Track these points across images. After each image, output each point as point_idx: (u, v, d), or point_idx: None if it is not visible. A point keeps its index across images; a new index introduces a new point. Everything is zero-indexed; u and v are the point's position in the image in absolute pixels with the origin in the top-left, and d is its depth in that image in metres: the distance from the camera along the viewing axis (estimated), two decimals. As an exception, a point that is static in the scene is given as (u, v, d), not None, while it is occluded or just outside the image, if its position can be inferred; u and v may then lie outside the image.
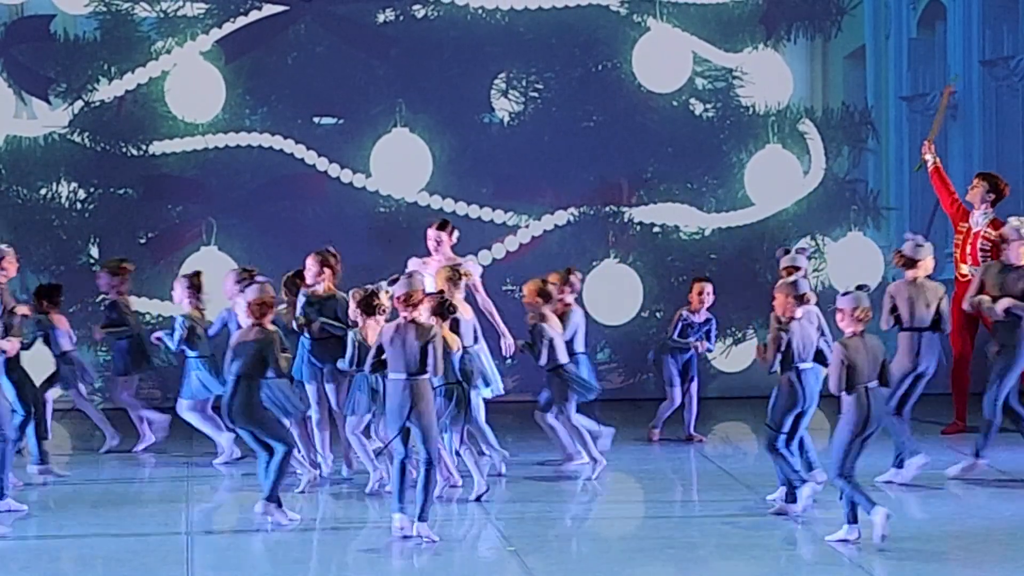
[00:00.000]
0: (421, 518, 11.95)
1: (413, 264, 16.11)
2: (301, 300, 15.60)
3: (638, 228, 19.06)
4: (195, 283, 15.99)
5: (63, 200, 18.97)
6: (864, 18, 20.04)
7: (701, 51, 19.17)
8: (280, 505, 12.82)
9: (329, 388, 15.75)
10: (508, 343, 16.44)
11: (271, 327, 13.71)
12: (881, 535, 11.82)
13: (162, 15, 18.87)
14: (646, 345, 18.81)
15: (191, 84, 18.50)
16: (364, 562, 13.31)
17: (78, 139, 18.86)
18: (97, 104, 18.74)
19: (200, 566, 12.29)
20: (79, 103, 18.72)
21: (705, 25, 19.24)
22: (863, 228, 19.26)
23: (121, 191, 18.99)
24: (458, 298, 15.11)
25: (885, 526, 11.83)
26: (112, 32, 18.91)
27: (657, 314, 19.14)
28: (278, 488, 12.73)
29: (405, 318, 11.98)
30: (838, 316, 12.00)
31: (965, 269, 17.26)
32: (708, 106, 19.49)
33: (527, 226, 18.92)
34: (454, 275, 15.13)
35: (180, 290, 16.04)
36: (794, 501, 13.02)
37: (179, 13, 18.86)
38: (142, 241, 18.85)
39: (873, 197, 19.58)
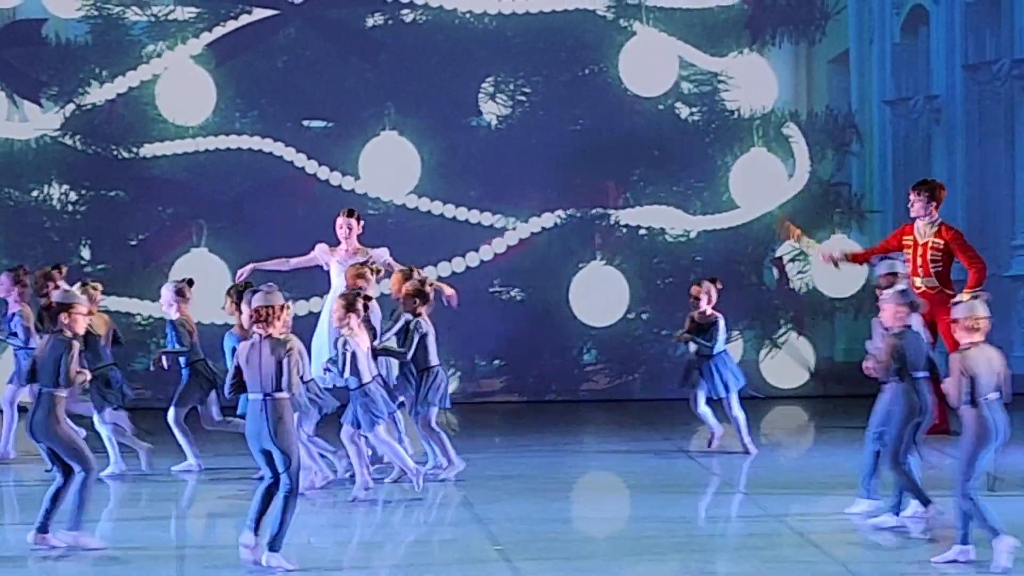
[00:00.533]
0: (272, 548, 11.24)
1: (320, 249, 16.53)
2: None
3: (624, 230, 19.09)
4: (182, 290, 15.88)
5: (55, 202, 19.02)
6: (848, 23, 20.06)
7: (687, 55, 19.29)
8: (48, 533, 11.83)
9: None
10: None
11: (68, 335, 12.63)
12: (1004, 567, 11.18)
13: (153, 19, 18.94)
14: (632, 347, 19.36)
15: (182, 88, 18.66)
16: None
17: (69, 142, 18.90)
18: (88, 107, 18.81)
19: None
20: (71, 106, 18.77)
21: (691, 30, 19.31)
22: (847, 231, 19.38)
23: (112, 193, 19.04)
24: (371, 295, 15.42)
25: (1010, 555, 11.20)
26: (103, 36, 18.98)
27: (643, 316, 19.30)
28: (81, 515, 11.83)
29: (260, 335, 11.39)
30: (956, 327, 11.48)
31: (919, 282, 16.97)
32: (694, 110, 19.51)
33: (514, 228, 18.96)
34: (364, 272, 15.34)
35: (168, 295, 15.91)
36: (897, 512, 12.57)
37: (170, 17, 18.92)
38: (133, 243, 18.94)
39: (857, 200, 19.65)
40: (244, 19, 18.90)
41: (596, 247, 19.05)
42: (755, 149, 19.24)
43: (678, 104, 19.43)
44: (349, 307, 14.34)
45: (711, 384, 16.11)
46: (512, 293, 19.40)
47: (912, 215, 17.24)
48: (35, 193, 18.97)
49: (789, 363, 20.10)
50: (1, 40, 19.01)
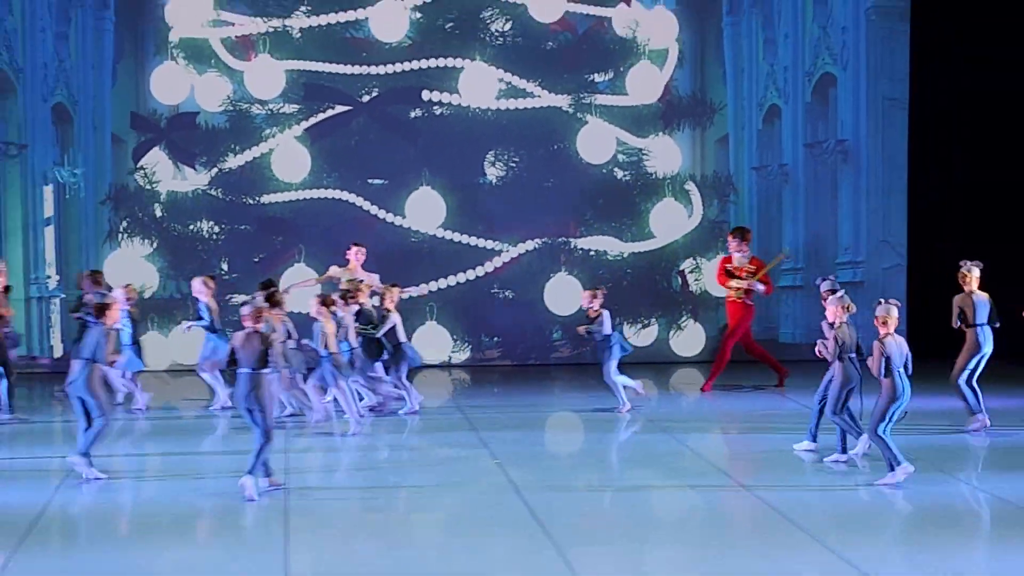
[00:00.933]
0: (250, 472, 11.54)
1: (334, 271, 17.20)
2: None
3: (579, 252, 19.68)
4: (206, 282, 16.06)
5: (204, 233, 19.46)
6: (728, 116, 20.31)
7: (621, 137, 19.76)
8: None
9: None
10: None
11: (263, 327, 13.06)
12: (897, 481, 11.89)
13: (269, 112, 19.39)
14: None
15: (288, 157, 19.19)
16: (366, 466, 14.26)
17: (214, 193, 19.43)
18: (227, 170, 19.33)
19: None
20: (215, 169, 19.34)
21: (624, 120, 19.77)
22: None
23: (242, 227, 19.54)
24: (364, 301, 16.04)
25: (905, 476, 11.91)
26: (236, 123, 19.45)
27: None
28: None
29: (252, 329, 11.74)
30: (876, 322, 11.97)
31: (745, 287, 17.50)
32: (625, 173, 20.00)
33: (507, 251, 19.54)
34: (352, 286, 15.95)
35: (198, 285, 16.11)
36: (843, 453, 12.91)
37: (280, 111, 19.39)
38: (255, 260, 19.36)
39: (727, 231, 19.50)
40: (329, 112, 19.27)
41: (561, 263, 19.43)
42: (667, 199, 19.79)
43: (615, 169, 19.85)
44: (323, 303, 15.21)
45: (601, 355, 16.17)
46: (506, 293, 19.85)
47: (730, 251, 17.76)
48: (191, 227, 19.36)
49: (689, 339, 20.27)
50: (170, 125, 19.33)
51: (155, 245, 19.33)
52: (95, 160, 19.35)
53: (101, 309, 12.05)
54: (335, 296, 15.61)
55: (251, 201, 19.40)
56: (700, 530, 11.49)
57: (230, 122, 19.41)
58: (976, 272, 14.87)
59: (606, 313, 16.12)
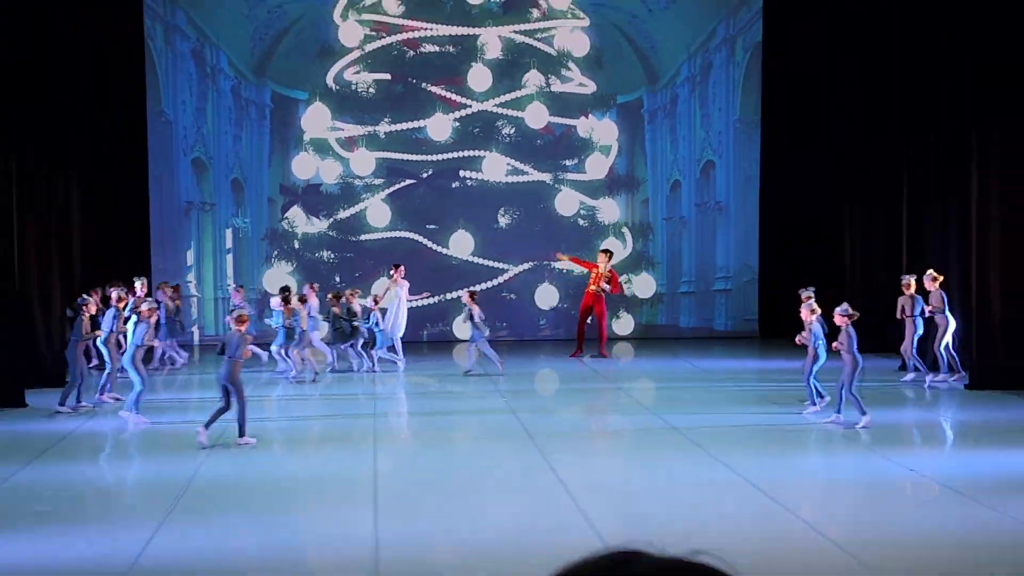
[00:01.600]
0: (241, 433, 10.53)
1: (379, 284, 17.24)
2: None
3: (556, 271, 19.23)
4: (287, 298, 15.10)
5: (324, 259, 19.18)
6: (648, 186, 19.82)
7: (582, 199, 19.48)
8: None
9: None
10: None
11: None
12: (862, 427, 11.16)
13: (364, 183, 19.10)
14: (563, 318, 19.30)
15: (376, 213, 19.11)
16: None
17: (331, 233, 19.19)
18: (339, 219, 19.12)
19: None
20: (331, 219, 19.12)
21: (584, 189, 19.48)
22: (649, 270, 19.71)
23: (348, 255, 19.29)
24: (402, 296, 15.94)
25: (867, 424, 11.19)
26: (344, 190, 19.14)
27: (564, 305, 19.32)
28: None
29: (237, 330, 10.73)
30: (837, 318, 11.28)
31: (595, 288, 16.98)
32: (584, 221, 19.66)
33: (511, 269, 19.37)
34: (396, 278, 16.00)
35: (275, 301, 15.34)
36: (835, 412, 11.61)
37: (371, 183, 19.10)
38: (356, 275, 18.95)
39: (648, 257, 19.81)
40: (401, 184, 19.23)
41: (545, 278, 19.39)
42: (610, 237, 19.48)
43: (578, 219, 19.59)
44: (300, 300, 14.94)
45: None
46: (511, 295, 19.49)
47: (599, 263, 17.14)
48: (316, 255, 19.17)
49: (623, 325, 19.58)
50: (304, 192, 19.12)
51: (294, 266, 19.21)
52: (257, 213, 19.30)
53: (239, 319, 10.99)
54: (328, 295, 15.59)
55: (353, 239, 19.29)
56: (632, 442, 11.69)
57: (340, 189, 19.26)
58: (911, 280, 14.03)
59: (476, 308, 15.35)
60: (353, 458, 10.41)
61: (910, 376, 14.44)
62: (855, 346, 11.31)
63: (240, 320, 10.88)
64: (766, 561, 6.95)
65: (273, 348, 15.26)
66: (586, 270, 17.61)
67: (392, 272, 16.68)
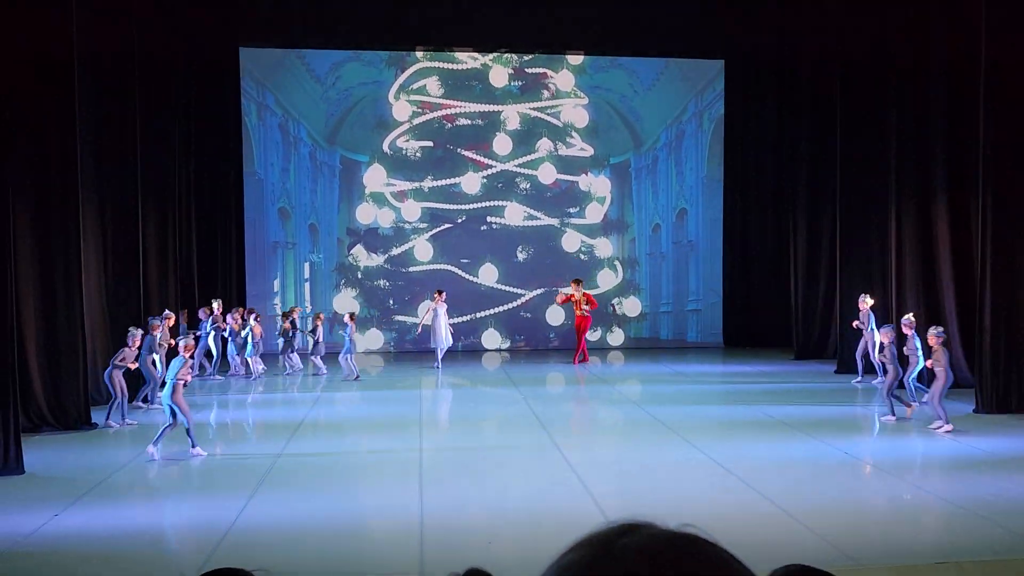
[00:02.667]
0: (192, 444, 9.26)
1: (424, 304, 17.20)
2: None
3: (559, 293, 17.94)
4: (353, 317, 14.85)
5: (381, 286, 18.84)
6: (635, 229, 19.53)
7: (583, 239, 19.25)
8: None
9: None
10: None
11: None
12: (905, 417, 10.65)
13: (412, 227, 18.77)
14: (566, 332, 18.65)
15: (422, 249, 18.82)
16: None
17: (387, 266, 18.87)
18: (392, 255, 18.82)
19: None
20: (386, 255, 18.76)
21: (584, 231, 19.24)
22: (636, 294, 19.44)
23: (400, 283, 18.88)
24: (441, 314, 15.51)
25: (909, 415, 10.63)
26: (397, 232, 18.87)
27: (569, 322, 18.61)
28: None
29: (185, 357, 9.31)
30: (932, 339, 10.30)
31: (581, 311, 16.67)
32: (584, 256, 19.36)
33: (527, 294, 19.12)
34: (437, 300, 15.69)
35: (348, 320, 14.87)
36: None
37: (418, 227, 18.80)
38: (406, 298, 18.78)
39: (635, 284, 19.52)
40: (441, 227, 18.90)
41: (554, 301, 18.69)
42: (605, 269, 19.38)
43: (580, 254, 19.34)
44: (350, 317, 14.56)
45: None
46: (527, 315, 19.16)
47: (573, 292, 16.84)
48: (375, 283, 18.81)
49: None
50: (365, 234, 18.68)
51: (357, 292, 18.91)
52: (328, 250, 18.82)
53: (185, 347, 9.53)
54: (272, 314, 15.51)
55: (404, 270, 19.02)
56: (623, 429, 11.49)
57: (394, 232, 18.98)
58: (868, 299, 13.51)
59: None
60: (403, 441, 10.27)
61: (858, 380, 14.11)
62: (947, 362, 10.42)
63: (185, 348, 9.44)
64: (728, 524, 6.77)
65: (340, 357, 15.10)
66: (569, 301, 17.15)
67: (435, 296, 16.44)
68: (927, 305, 13.34)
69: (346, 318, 14.71)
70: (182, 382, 9.21)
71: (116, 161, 12.76)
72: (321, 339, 15.38)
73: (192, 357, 9.26)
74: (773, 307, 18.99)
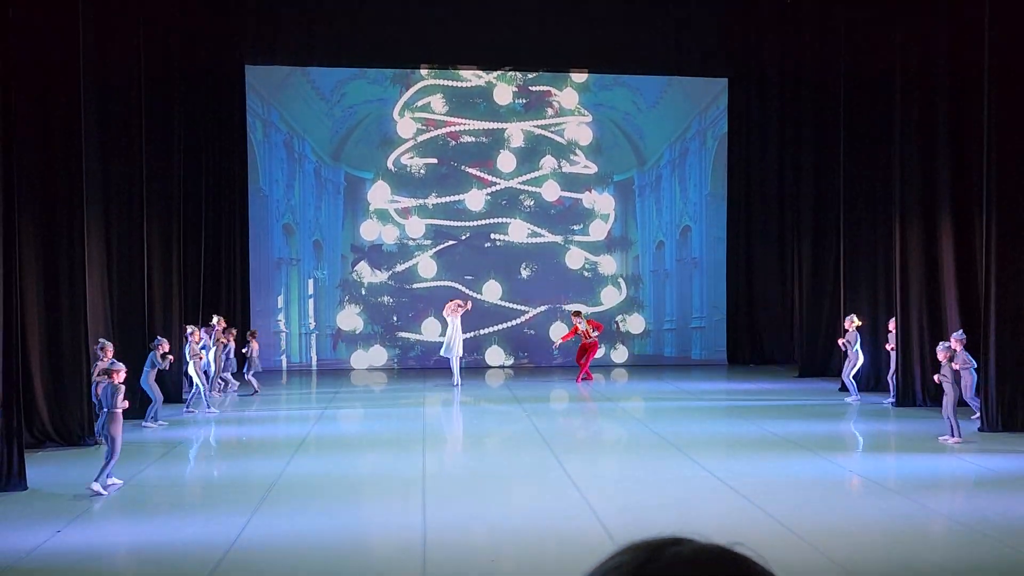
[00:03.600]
0: (96, 478, 8.36)
1: (428, 323, 17.61)
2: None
3: (566, 312, 18.33)
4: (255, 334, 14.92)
5: (384, 302, 18.71)
6: (638, 246, 19.47)
7: (587, 256, 19.18)
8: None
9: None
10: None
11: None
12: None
13: (416, 244, 18.78)
14: (570, 349, 18.23)
15: (426, 265, 18.78)
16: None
17: (390, 282, 18.79)
18: (396, 272, 18.82)
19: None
20: (390, 271, 18.76)
21: (588, 248, 19.27)
22: (639, 311, 19.32)
23: (404, 300, 18.78)
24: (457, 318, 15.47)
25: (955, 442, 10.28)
26: (401, 249, 18.79)
27: (571, 340, 18.32)
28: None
29: (108, 381, 8.56)
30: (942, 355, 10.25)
31: (590, 338, 16.63)
32: (588, 273, 19.35)
33: (531, 311, 19.06)
34: (459, 308, 15.72)
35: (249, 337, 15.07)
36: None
37: (422, 243, 18.80)
38: (410, 315, 18.74)
39: (639, 302, 19.48)
40: (445, 244, 18.86)
41: (558, 318, 18.98)
42: (609, 286, 19.37)
43: (584, 271, 19.28)
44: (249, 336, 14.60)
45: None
46: (531, 331, 19.13)
47: (576, 323, 16.78)
48: (379, 299, 18.74)
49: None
50: (369, 250, 18.73)
51: (361, 308, 18.85)
52: (332, 266, 18.75)
53: (115, 372, 8.69)
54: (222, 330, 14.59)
55: (407, 287, 18.95)
56: (626, 447, 11.44)
57: (398, 248, 18.96)
58: (853, 323, 13.58)
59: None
60: (406, 459, 10.22)
61: (851, 398, 14.15)
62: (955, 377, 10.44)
63: (116, 373, 8.61)
64: (730, 538, 6.85)
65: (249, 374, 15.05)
66: (575, 335, 17.05)
67: (456, 305, 16.48)
68: (931, 322, 13.32)
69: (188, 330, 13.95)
70: (119, 411, 8.44)
71: (121, 177, 12.82)
72: (254, 356, 15.34)
73: (125, 383, 8.59)
74: (777, 324, 19.08)
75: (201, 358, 12.73)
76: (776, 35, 18.69)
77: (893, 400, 13.52)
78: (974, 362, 11.22)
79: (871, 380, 14.84)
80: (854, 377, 13.95)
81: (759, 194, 19.40)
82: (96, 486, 8.33)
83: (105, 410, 8.56)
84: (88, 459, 9.92)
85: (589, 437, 12.46)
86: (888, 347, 13.86)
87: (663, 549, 0.94)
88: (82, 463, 9.79)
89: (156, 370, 11.65)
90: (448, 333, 16.17)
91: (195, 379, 12.60)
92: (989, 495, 8.38)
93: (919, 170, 13.63)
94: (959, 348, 10.88)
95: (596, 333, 16.86)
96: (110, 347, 10.71)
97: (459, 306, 16.24)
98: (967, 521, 7.56)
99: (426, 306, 18.90)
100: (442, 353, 16.05)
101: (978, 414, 11.30)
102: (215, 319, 14.80)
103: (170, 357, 11.94)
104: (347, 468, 9.86)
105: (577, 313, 17.07)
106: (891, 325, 13.68)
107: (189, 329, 13.30)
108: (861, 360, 13.90)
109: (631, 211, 19.64)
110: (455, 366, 16.02)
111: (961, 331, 11.34)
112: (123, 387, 8.52)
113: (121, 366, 8.63)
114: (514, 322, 19.31)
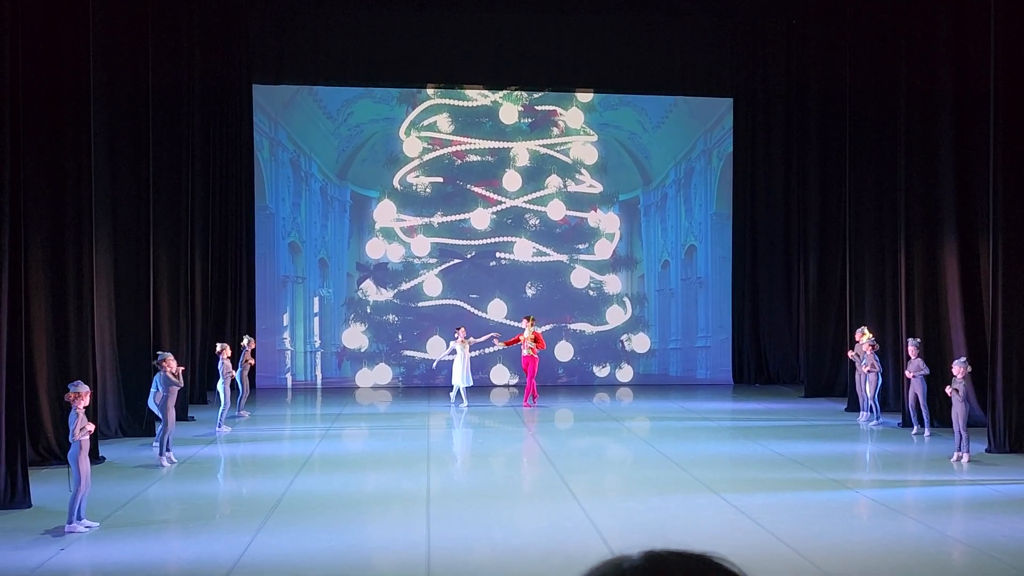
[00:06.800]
0: (69, 520, 7.78)
1: (432, 342, 17.61)
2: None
3: (571, 331, 18.82)
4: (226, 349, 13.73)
5: (390, 320, 18.76)
6: (644, 265, 19.45)
7: (592, 275, 19.17)
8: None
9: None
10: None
11: None
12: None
13: (422, 262, 18.80)
14: (572, 368, 18.74)
15: (431, 284, 18.76)
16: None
17: (395, 300, 18.77)
18: (401, 290, 18.76)
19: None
20: (396, 289, 18.76)
21: (593, 267, 19.19)
22: (644, 330, 19.18)
23: (409, 318, 18.81)
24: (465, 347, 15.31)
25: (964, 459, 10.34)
26: (407, 267, 18.79)
27: (577, 358, 18.92)
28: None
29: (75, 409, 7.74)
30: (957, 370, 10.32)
31: (528, 350, 15.92)
32: (594, 292, 19.27)
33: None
34: (465, 340, 15.57)
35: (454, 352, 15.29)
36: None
37: (427, 262, 18.80)
38: (415, 333, 18.74)
39: (644, 321, 19.30)
40: (450, 263, 18.89)
41: (563, 336, 19.04)
42: (614, 305, 19.29)
43: (589, 290, 19.23)
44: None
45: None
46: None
47: (524, 326, 16.24)
48: (385, 317, 18.75)
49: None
50: (374, 268, 18.75)
51: (367, 326, 18.87)
52: (338, 285, 18.75)
53: (77, 396, 7.94)
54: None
55: (413, 305, 18.98)
56: (631, 466, 11.33)
57: (403, 267, 18.98)
58: (864, 335, 13.41)
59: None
60: (411, 477, 10.22)
61: (863, 417, 13.93)
62: (965, 394, 10.50)
63: (76, 396, 7.82)
64: (737, 561, 6.81)
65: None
66: (517, 343, 16.46)
67: (457, 334, 16.30)
68: (938, 343, 13.28)
69: (218, 348, 13.53)
70: (82, 440, 7.80)
71: (128, 196, 12.89)
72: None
73: (85, 410, 7.88)
74: (783, 344, 19.07)
75: (233, 376, 12.74)
76: (781, 54, 18.89)
77: (879, 420, 13.43)
78: (927, 369, 11.46)
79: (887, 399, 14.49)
80: (876, 398, 13.59)
81: (764, 213, 19.42)
82: (76, 526, 7.82)
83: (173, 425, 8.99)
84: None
85: (594, 457, 12.29)
86: (849, 355, 13.85)
87: (627, 556, 0.95)
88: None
89: (173, 390, 10.68)
90: (457, 363, 15.95)
91: (222, 395, 12.53)
92: (996, 516, 8.33)
93: (924, 187, 13.66)
94: (914, 354, 11.15)
95: (535, 347, 16.07)
96: (171, 358, 10.72)
97: (465, 339, 16.07)
98: (973, 542, 7.55)
99: (431, 324, 18.93)
100: (461, 384, 15.66)
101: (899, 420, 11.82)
102: (245, 339, 14.70)
103: (182, 368, 11.38)
104: (352, 486, 9.81)
105: (529, 318, 16.40)
106: (859, 335, 13.46)
107: (220, 346, 13.24)
108: (878, 379, 13.48)
109: (636, 230, 19.62)
110: (463, 390, 15.96)
111: (918, 339, 11.44)
112: (82, 413, 7.80)
113: (86, 388, 7.90)
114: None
